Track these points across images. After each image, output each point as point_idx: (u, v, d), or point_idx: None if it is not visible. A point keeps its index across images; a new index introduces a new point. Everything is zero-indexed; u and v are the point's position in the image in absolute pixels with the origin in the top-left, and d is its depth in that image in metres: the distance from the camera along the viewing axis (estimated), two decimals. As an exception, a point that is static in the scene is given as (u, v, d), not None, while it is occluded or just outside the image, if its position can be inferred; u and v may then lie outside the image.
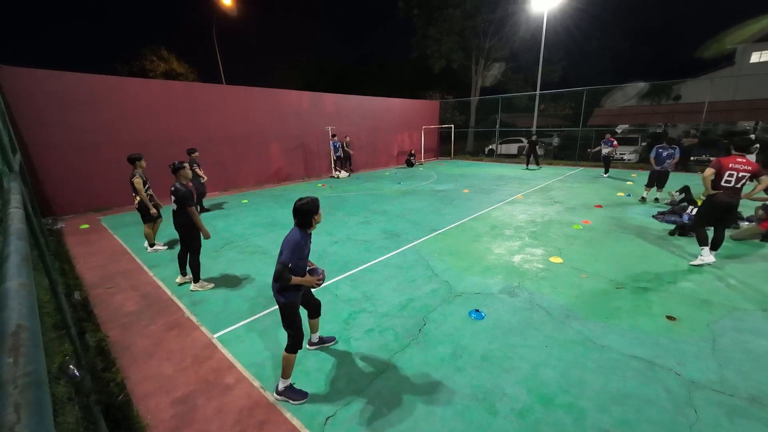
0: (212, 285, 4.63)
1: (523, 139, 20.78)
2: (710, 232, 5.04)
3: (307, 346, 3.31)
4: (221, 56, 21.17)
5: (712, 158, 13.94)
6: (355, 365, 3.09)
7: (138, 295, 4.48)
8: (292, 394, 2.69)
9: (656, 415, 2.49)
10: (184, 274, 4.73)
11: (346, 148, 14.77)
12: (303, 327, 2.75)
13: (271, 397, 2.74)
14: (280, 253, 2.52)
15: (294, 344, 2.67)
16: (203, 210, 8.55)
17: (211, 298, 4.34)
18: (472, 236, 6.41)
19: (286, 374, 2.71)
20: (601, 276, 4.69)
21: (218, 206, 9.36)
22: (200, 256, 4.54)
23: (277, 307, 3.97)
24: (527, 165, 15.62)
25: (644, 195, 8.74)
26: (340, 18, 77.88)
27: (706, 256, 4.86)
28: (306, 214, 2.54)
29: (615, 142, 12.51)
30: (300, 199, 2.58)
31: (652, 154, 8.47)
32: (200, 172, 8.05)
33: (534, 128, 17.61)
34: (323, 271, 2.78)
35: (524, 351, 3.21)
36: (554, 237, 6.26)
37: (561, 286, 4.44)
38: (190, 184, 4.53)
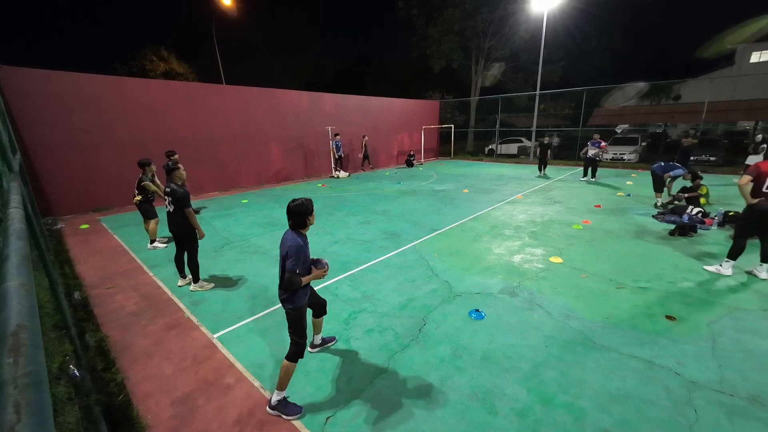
0: (212, 285, 4.63)
1: (523, 139, 20.77)
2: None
3: (309, 349, 3.28)
4: (221, 56, 21.19)
5: (712, 158, 14.05)
6: (355, 365, 3.09)
7: (138, 295, 4.48)
8: (285, 408, 2.57)
9: (656, 415, 2.49)
10: (184, 276, 4.73)
11: (364, 148, 15.26)
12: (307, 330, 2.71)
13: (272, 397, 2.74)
14: (283, 259, 2.48)
15: (297, 352, 2.59)
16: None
17: (211, 298, 4.34)
18: (472, 236, 6.41)
19: (282, 386, 2.58)
20: (601, 276, 4.69)
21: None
22: (200, 257, 4.54)
23: (277, 306, 4.00)
24: (540, 171, 13.42)
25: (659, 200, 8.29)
26: (340, 18, 77.91)
27: (726, 269, 4.61)
28: (300, 214, 2.50)
29: (603, 144, 11.59)
30: (294, 200, 2.53)
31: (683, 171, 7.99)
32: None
33: (534, 127, 17.59)
34: (326, 261, 2.75)
35: (524, 351, 3.21)
36: (554, 237, 6.26)
37: (561, 286, 4.44)
38: (187, 184, 4.53)
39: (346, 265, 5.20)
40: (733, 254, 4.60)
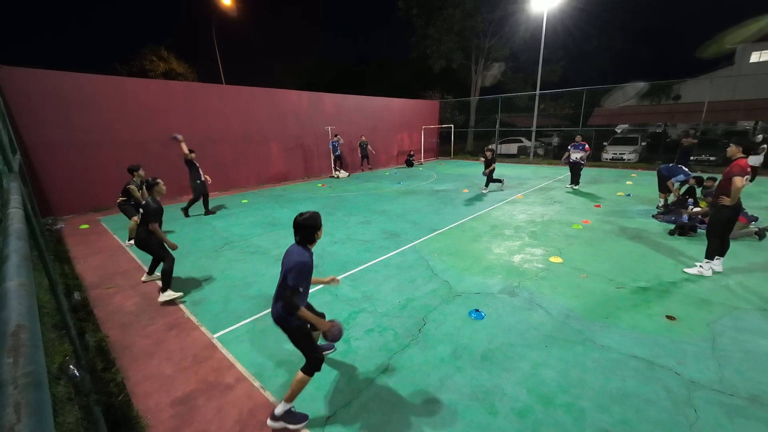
0: (180, 294, 4.40)
1: (523, 139, 20.74)
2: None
3: None
4: (221, 56, 21.19)
5: (712, 158, 14.04)
6: (355, 365, 3.09)
7: (138, 295, 4.48)
8: (291, 418, 2.45)
9: (656, 414, 2.50)
10: (150, 273, 4.82)
11: (367, 147, 15.37)
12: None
13: (272, 397, 2.74)
14: (285, 274, 2.33)
15: (315, 366, 2.44)
16: (208, 213, 8.37)
17: (211, 298, 4.34)
18: (471, 236, 6.41)
19: (291, 398, 2.45)
20: (601, 276, 4.69)
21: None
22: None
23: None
24: (486, 186, 10.99)
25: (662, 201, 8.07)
26: (340, 18, 77.87)
27: (718, 265, 4.65)
28: (309, 229, 2.38)
29: (587, 146, 10.26)
30: (301, 214, 2.41)
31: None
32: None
33: (534, 127, 17.50)
34: (341, 327, 2.57)
35: (524, 351, 3.21)
36: (554, 237, 6.26)
37: (561, 286, 4.44)
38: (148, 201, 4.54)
39: (346, 265, 5.20)
40: (720, 252, 4.65)
